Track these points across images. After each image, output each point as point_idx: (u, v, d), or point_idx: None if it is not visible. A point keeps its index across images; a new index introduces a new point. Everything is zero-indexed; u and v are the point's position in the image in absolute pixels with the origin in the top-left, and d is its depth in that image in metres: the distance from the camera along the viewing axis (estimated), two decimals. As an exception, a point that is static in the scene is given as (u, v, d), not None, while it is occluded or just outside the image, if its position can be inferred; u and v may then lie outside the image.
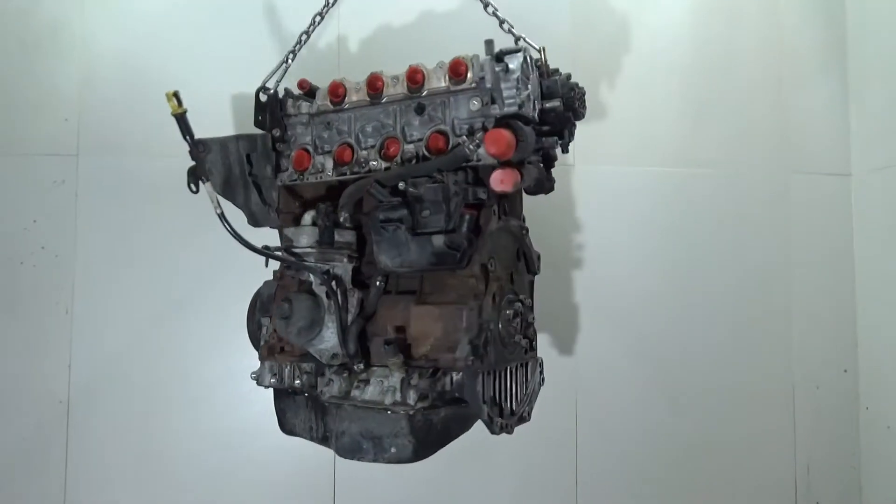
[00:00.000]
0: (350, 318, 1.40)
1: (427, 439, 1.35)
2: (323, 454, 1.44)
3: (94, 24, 2.01)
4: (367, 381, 1.37)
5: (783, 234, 2.33)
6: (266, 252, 1.35)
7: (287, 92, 1.60)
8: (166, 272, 2.00)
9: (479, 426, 1.37)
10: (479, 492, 2.11)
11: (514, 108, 1.32)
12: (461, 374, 1.30)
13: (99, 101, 2.00)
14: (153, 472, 1.98)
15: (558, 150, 1.52)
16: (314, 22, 1.70)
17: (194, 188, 1.33)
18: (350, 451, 1.38)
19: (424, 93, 1.41)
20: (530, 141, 1.32)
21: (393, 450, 1.33)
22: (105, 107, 2.00)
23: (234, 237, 1.30)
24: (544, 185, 1.48)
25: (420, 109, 1.41)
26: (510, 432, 1.37)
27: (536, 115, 1.39)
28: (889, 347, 2.25)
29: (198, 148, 1.30)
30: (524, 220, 1.52)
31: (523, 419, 1.44)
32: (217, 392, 2.02)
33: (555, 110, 1.41)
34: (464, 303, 1.32)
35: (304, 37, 1.69)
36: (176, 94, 1.26)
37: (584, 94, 1.46)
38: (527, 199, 2.13)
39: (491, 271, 1.36)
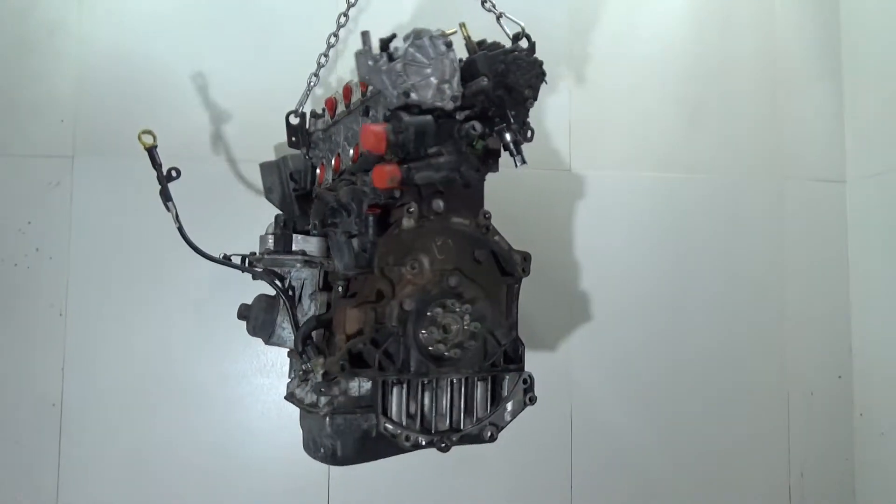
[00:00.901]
0: (304, 319, 1.45)
1: (357, 444, 1.31)
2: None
3: (91, 24, 2.01)
4: (306, 381, 1.40)
5: (777, 241, 2.34)
6: (219, 259, 1.45)
7: (312, 112, 1.68)
8: (161, 275, 1.99)
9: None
10: (474, 497, 2.11)
11: (403, 99, 1.24)
12: (370, 380, 1.25)
13: (95, 102, 2.00)
14: (147, 477, 1.96)
15: (531, 137, 1.37)
16: (329, 43, 1.71)
17: (167, 209, 1.46)
18: (304, 446, 1.42)
19: (368, 94, 1.39)
20: (415, 132, 1.21)
21: (322, 450, 1.33)
22: (102, 108, 1.99)
23: (194, 249, 1.42)
24: (470, 177, 1.32)
25: (366, 112, 1.40)
26: (443, 450, 1.28)
27: (450, 101, 1.26)
28: (883, 353, 2.25)
29: (162, 176, 1.43)
30: (488, 217, 1.36)
31: (479, 439, 1.32)
32: (212, 396, 2.01)
33: (483, 91, 1.27)
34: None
35: (323, 58, 1.72)
36: (149, 132, 1.41)
37: (530, 66, 1.30)
38: (521, 201, 2.15)
39: (412, 272, 1.28)
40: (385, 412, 1.26)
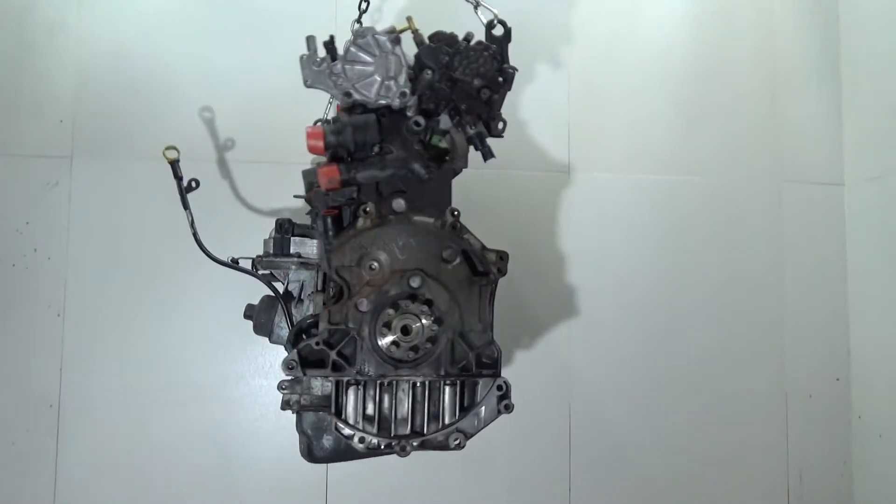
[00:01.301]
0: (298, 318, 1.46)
1: (331, 443, 1.31)
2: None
3: (91, 24, 2.01)
4: None
5: (776, 243, 2.34)
6: (228, 263, 1.49)
7: (334, 119, 1.69)
8: (159, 275, 1.99)
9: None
10: (472, 496, 2.10)
11: (346, 99, 1.23)
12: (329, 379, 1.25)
13: (94, 102, 2.00)
14: (144, 478, 1.96)
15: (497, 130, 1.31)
16: None
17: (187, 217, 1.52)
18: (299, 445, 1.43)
19: None
20: (353, 132, 1.22)
21: (301, 446, 1.34)
22: (100, 108, 1.99)
23: (207, 255, 1.48)
24: (420, 174, 1.27)
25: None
26: (401, 454, 1.24)
27: (397, 98, 1.24)
28: (881, 356, 2.26)
29: (182, 187, 1.48)
30: (456, 216, 1.30)
31: (444, 446, 1.26)
32: (210, 396, 2.00)
33: (431, 86, 1.24)
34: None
35: None
36: (174, 147, 1.48)
37: (478, 54, 1.24)
38: (520, 203, 2.15)
39: (371, 273, 1.25)
40: (339, 413, 1.23)
